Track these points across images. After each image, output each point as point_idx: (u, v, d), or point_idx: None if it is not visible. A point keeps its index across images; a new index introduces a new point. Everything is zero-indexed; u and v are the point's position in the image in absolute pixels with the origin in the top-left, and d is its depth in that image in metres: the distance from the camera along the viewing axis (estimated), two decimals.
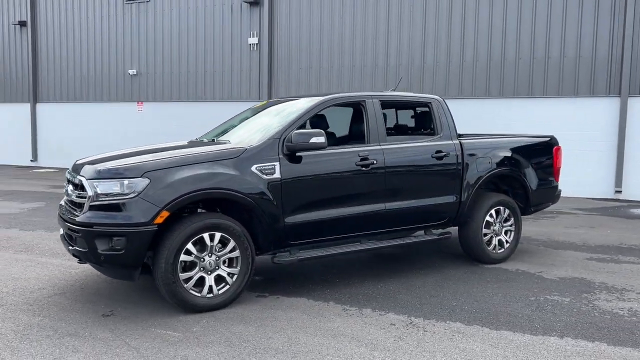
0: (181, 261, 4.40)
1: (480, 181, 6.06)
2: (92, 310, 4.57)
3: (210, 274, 4.55)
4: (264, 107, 6.07)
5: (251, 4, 15.72)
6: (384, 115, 5.76)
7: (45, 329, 4.16)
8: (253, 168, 4.72)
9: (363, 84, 14.57)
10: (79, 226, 4.35)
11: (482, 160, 6.10)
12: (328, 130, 6.17)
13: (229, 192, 4.55)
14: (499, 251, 6.28)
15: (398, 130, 6.44)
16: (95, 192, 4.35)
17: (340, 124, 6.53)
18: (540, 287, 5.39)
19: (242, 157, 4.72)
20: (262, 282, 5.51)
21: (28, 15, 19.69)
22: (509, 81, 13.03)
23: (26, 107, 20.09)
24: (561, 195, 7.08)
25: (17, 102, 20.34)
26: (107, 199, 4.31)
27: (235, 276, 4.66)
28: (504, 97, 13.09)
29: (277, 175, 4.81)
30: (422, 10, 13.71)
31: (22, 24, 19.83)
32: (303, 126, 5.27)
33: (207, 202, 4.79)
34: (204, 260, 4.51)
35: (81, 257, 4.47)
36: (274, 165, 4.81)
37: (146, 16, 17.52)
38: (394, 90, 6.78)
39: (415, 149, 5.75)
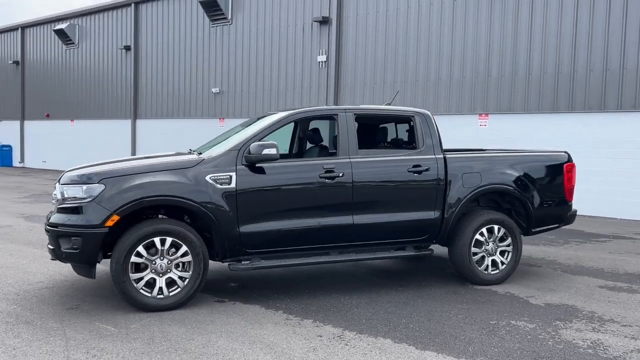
0: (132, 262, 4.74)
1: (467, 198, 5.81)
2: (61, 303, 5.05)
3: (161, 276, 4.85)
4: (251, 122, 6.32)
5: (321, 22, 16.15)
6: (371, 128, 5.77)
7: (11, 315, 4.69)
8: (207, 178, 4.96)
9: (425, 97, 14.34)
10: (49, 226, 4.86)
11: (469, 176, 5.85)
12: (322, 143, 6.28)
13: (178, 199, 4.84)
14: (492, 272, 5.95)
15: (378, 144, 6.36)
16: (63, 196, 4.84)
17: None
18: (514, 311, 5.05)
19: (198, 167, 4.99)
20: (234, 288, 5.72)
21: (132, 40, 21.76)
22: (579, 95, 12.16)
23: (127, 123, 22.13)
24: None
25: (120, 118, 22.47)
26: (70, 202, 4.78)
27: (187, 280, 4.91)
28: (576, 111, 12.23)
29: (232, 185, 5.01)
30: (487, 22, 13.26)
31: (127, 48, 21.95)
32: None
33: (169, 209, 5.11)
34: (155, 263, 4.82)
35: (51, 254, 4.98)
36: (230, 175, 5.03)
37: (228, 38, 18.64)
38: (389, 104, 6.72)
39: (388, 162, 5.67)
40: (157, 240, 4.80)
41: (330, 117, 5.75)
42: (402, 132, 6.36)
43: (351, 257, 5.59)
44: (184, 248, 4.88)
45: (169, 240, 4.83)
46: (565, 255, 7.69)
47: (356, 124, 5.65)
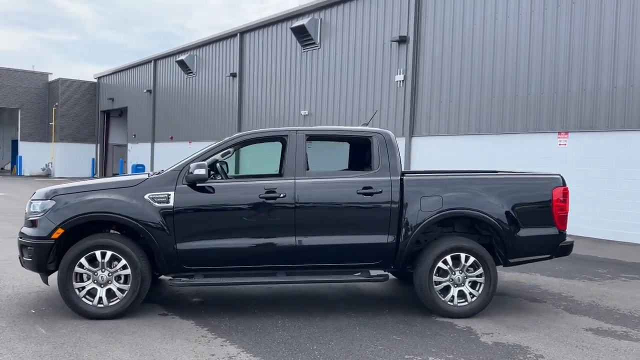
0: (76, 272, 5.17)
1: (426, 222, 5.45)
2: (33, 306, 5.64)
3: (102, 287, 5.22)
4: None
5: (399, 42, 16.00)
6: (327, 149, 5.69)
7: None
8: (146, 196, 5.26)
9: (502, 115, 13.49)
10: (19, 236, 5.49)
11: (429, 200, 5.48)
12: None
13: (113, 215, 5.19)
14: (459, 304, 5.48)
15: (335, 165, 6.20)
16: (29, 210, 5.45)
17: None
18: (447, 347, 4.62)
19: (139, 186, 5.31)
20: (194, 303, 5.92)
21: (238, 67, 23.28)
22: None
23: None
24: None
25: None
26: (31, 216, 5.36)
27: (126, 292, 5.23)
28: None
29: (170, 203, 5.26)
30: (567, 34, 12.19)
31: (234, 75, 23.54)
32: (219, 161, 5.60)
33: (119, 225, 5.48)
34: (97, 274, 5.20)
35: (20, 261, 5.61)
36: (168, 194, 5.28)
37: (317, 62, 19.17)
38: (366, 124, 6.52)
39: (336, 183, 5.53)
40: (98, 253, 5.18)
41: (280, 139, 5.77)
42: (354, 153, 6.15)
43: (297, 279, 5.52)
44: (123, 262, 5.21)
45: (109, 253, 5.19)
46: (592, 291, 6.78)
47: (306, 145, 5.60)
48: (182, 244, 5.26)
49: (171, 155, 28.26)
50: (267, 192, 5.35)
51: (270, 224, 5.38)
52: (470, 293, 5.50)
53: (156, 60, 30.07)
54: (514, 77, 13.27)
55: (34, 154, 36.33)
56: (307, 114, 19.53)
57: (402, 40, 15.86)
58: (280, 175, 5.57)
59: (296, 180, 5.42)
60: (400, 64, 16.08)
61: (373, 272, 5.58)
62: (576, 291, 6.77)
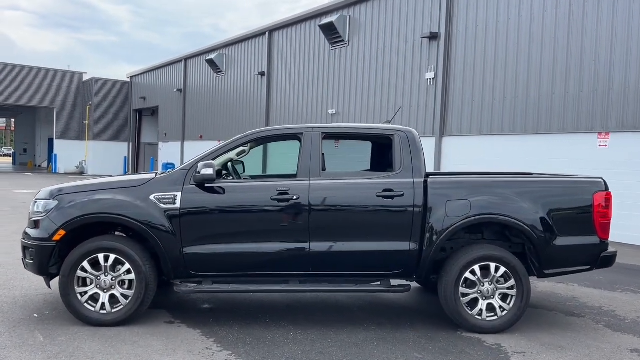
0: (78, 277, 4.91)
1: (452, 228, 5.00)
2: (37, 310, 5.40)
3: (105, 292, 4.94)
4: None
5: (430, 38, 15.46)
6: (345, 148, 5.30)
7: None
8: (152, 197, 4.96)
9: (538, 115, 12.84)
10: (22, 237, 5.26)
11: (455, 204, 5.03)
12: None
13: (116, 216, 4.90)
14: (488, 318, 5.02)
15: (356, 165, 5.78)
16: (33, 209, 5.21)
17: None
18: None
19: (144, 186, 5.02)
20: (203, 310, 5.61)
21: (266, 66, 23.04)
22: None
23: (259, 149, 23.35)
24: None
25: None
26: (34, 216, 5.12)
27: (129, 298, 4.93)
28: None
29: (177, 205, 4.95)
30: (609, 30, 11.49)
31: (262, 74, 23.32)
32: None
33: (124, 227, 5.19)
34: (100, 278, 4.93)
35: (23, 263, 5.38)
36: (175, 195, 4.97)
37: (345, 60, 18.76)
38: (389, 122, 6.09)
39: (353, 185, 5.12)
40: (101, 256, 4.91)
41: (294, 137, 5.39)
42: (374, 153, 5.73)
43: (311, 287, 5.14)
44: (127, 266, 4.92)
45: (112, 257, 4.91)
46: (637, 306, 6.21)
47: (322, 144, 5.21)
48: (189, 248, 4.95)
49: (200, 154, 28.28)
50: (279, 194, 4.99)
51: (282, 228, 5.02)
52: (501, 307, 5.02)
53: (187, 59, 30.13)
54: (551, 74, 12.60)
55: (68, 152, 36.90)
56: (334, 112, 19.13)
57: (433, 36, 15.31)
58: (294, 176, 5.20)
59: (311, 182, 5.05)
60: (431, 61, 15.54)
61: (394, 282, 5.17)
62: (619, 305, 6.20)
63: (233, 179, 5.52)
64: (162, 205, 4.94)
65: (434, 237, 5.00)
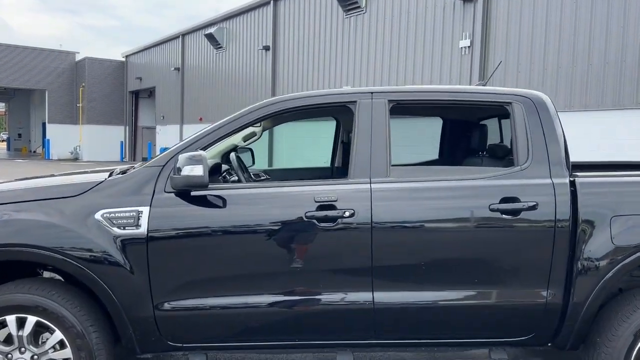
0: None
1: (621, 265, 2.89)
2: None
3: None
4: None
5: (464, 0, 13.19)
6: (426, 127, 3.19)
7: None
8: (98, 215, 2.87)
9: (602, 88, 10.63)
10: None
11: (627, 222, 2.91)
12: None
13: (34, 250, 2.81)
14: None
15: (439, 156, 3.67)
16: None
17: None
18: None
19: (86, 197, 2.92)
20: None
21: (271, 39, 20.82)
22: None
23: None
24: None
25: None
26: None
27: None
28: None
29: (141, 228, 2.86)
30: None
31: (267, 48, 21.10)
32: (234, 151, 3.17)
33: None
34: (11, 356, 2.85)
35: None
36: (138, 211, 2.87)
37: (362, 29, 16.53)
38: (484, 84, 3.94)
39: (449, 192, 2.99)
40: (10, 319, 2.83)
41: (339, 109, 3.25)
42: (479, 134, 3.57)
43: None
44: (57, 335, 2.84)
45: (31, 320, 2.83)
46: None
47: (389, 121, 3.07)
48: (166, 301, 2.87)
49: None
50: (319, 208, 2.88)
51: (326, 267, 2.92)
52: None
53: (184, 35, 27.85)
54: (620, 37, 10.34)
55: (62, 137, 34.76)
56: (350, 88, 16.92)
57: None
58: (340, 175, 3.08)
59: (373, 185, 2.92)
60: (466, 27, 13.28)
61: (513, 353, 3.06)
62: None
63: (238, 179, 3.39)
64: (116, 230, 2.85)
65: (592, 280, 2.89)
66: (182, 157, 2.79)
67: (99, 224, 2.83)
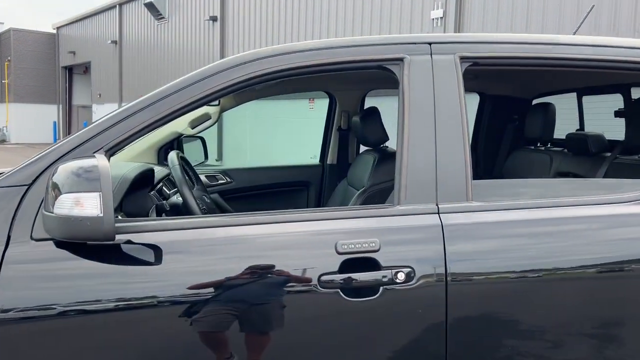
0: None
1: None
2: None
3: None
4: None
5: None
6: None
7: None
8: None
9: None
10: None
11: None
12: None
13: None
14: None
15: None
16: None
17: None
18: None
19: None
20: None
21: (219, 9, 19.05)
22: None
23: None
24: None
25: None
26: None
27: None
28: None
29: None
30: None
31: (214, 19, 19.32)
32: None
33: None
34: None
35: None
36: None
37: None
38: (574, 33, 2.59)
39: (582, 221, 1.64)
40: None
41: (371, 74, 1.83)
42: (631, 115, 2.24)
43: None
44: None
45: None
46: None
47: (465, 96, 1.67)
48: None
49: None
50: (345, 266, 1.45)
51: None
52: None
53: (121, 4, 25.46)
54: (613, 3, 9.35)
55: None
56: None
57: None
58: (338, 177, 1.74)
59: (443, 217, 1.52)
60: None
61: None
62: None
63: (183, 198, 1.91)
64: None
65: None
66: (62, 171, 1.32)
67: None
